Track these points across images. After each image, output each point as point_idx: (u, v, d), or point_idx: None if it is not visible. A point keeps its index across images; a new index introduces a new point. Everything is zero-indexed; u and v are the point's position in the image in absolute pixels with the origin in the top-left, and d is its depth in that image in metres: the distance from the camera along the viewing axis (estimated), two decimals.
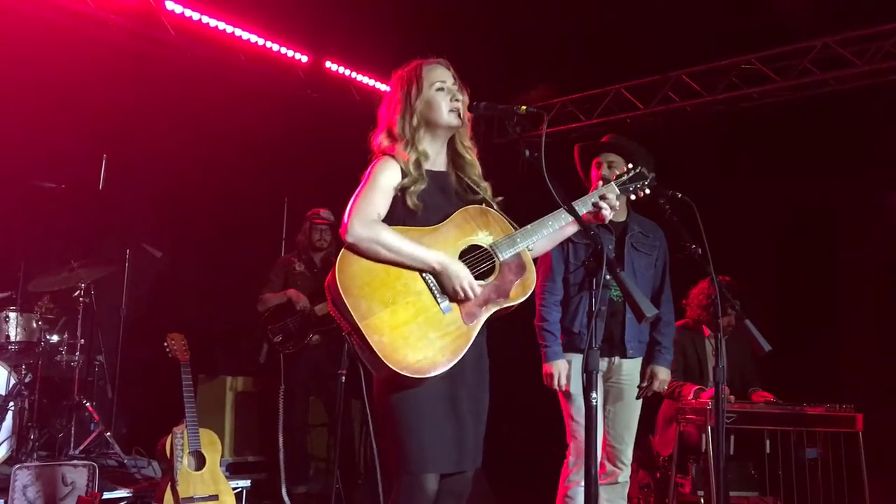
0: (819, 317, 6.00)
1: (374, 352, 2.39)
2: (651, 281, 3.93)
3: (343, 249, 2.52)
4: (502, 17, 6.27)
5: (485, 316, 2.56)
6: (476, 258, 2.61)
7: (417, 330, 2.46)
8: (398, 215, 2.60)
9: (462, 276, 2.53)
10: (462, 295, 2.52)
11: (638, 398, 3.87)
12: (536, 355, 3.82)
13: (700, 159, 6.29)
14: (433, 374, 2.43)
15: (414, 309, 2.49)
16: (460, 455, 2.56)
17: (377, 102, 2.87)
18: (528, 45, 6.59)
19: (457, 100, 2.69)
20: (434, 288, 2.53)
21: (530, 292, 2.65)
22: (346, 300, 2.42)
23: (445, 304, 2.52)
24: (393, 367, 2.38)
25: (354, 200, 2.57)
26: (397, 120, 2.70)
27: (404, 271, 2.52)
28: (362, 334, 2.40)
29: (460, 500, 2.65)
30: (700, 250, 3.26)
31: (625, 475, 3.83)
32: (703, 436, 4.44)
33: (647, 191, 2.91)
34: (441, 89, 2.69)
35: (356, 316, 2.41)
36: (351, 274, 2.48)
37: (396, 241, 2.51)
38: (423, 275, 2.53)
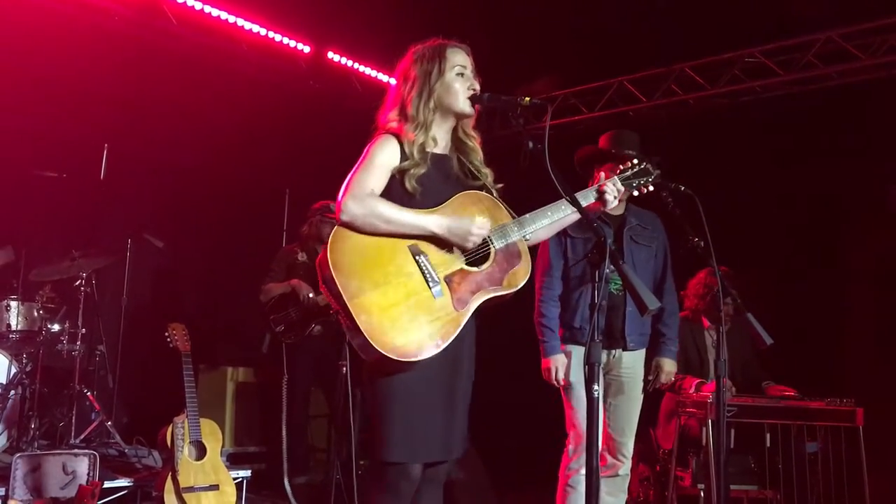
0: (820, 310, 5.98)
1: (361, 332, 2.35)
2: (652, 272, 3.92)
3: (337, 226, 2.47)
4: (505, 8, 6.24)
5: (476, 303, 2.52)
6: None
7: (407, 312, 2.41)
8: (395, 197, 2.54)
9: (467, 224, 2.51)
10: (477, 239, 2.51)
11: (645, 391, 3.86)
12: (536, 346, 3.82)
13: (703, 152, 6.27)
14: (420, 357, 2.39)
15: (404, 291, 2.44)
16: (448, 444, 2.54)
17: (379, 93, 2.80)
18: (532, 37, 6.56)
19: (474, 88, 2.64)
20: (427, 271, 2.48)
21: (524, 282, 2.62)
22: (336, 278, 2.38)
23: (437, 288, 2.47)
24: (379, 349, 2.34)
25: (350, 178, 2.52)
26: (413, 99, 2.62)
27: (397, 252, 2.48)
28: (350, 313, 2.35)
29: (439, 487, 2.65)
30: (702, 243, 3.25)
31: (625, 468, 3.83)
32: (704, 429, 4.44)
33: (651, 188, 2.90)
34: (461, 74, 2.64)
35: (345, 294, 2.37)
36: (343, 251, 2.43)
37: (393, 212, 2.47)
38: (417, 257, 2.49)
